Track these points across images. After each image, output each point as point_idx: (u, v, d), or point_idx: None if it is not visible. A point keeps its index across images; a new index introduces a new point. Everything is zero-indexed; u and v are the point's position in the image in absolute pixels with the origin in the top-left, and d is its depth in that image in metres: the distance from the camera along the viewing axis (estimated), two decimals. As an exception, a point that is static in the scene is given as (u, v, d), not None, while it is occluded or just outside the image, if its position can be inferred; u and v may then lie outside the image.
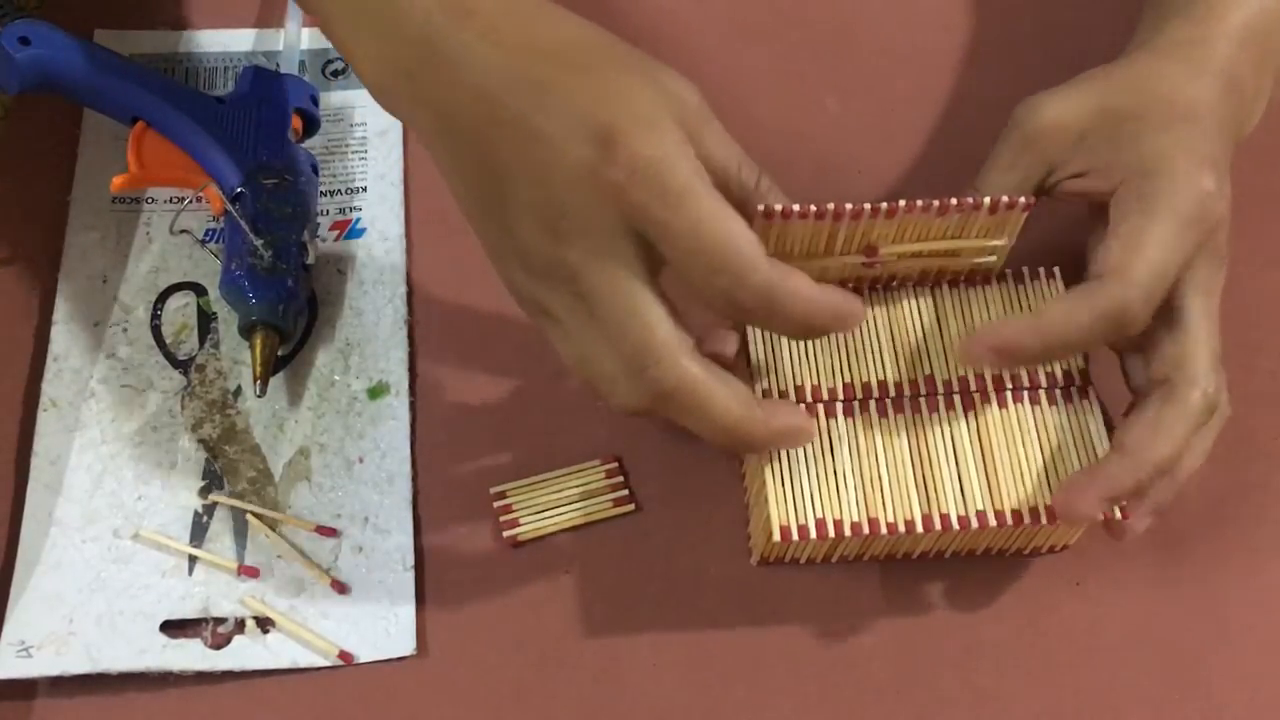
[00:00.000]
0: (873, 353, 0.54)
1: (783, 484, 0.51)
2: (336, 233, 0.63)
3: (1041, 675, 0.54)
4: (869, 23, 0.70)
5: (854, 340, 0.54)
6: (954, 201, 0.50)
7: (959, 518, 0.51)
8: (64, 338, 0.59)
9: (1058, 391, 0.53)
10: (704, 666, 0.54)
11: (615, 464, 0.57)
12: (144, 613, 0.54)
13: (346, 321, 0.61)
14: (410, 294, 0.61)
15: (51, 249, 0.62)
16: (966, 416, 0.53)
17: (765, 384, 0.53)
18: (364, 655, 0.53)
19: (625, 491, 0.57)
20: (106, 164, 0.63)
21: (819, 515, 0.51)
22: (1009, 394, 0.53)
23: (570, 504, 0.56)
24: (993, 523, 0.51)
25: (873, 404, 0.53)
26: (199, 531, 0.56)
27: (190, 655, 0.53)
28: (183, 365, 0.59)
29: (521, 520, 0.56)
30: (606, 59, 0.47)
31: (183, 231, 0.61)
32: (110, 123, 0.62)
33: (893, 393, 0.53)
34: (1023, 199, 0.51)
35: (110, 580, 0.54)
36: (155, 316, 0.60)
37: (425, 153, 0.65)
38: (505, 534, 0.56)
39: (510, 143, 0.46)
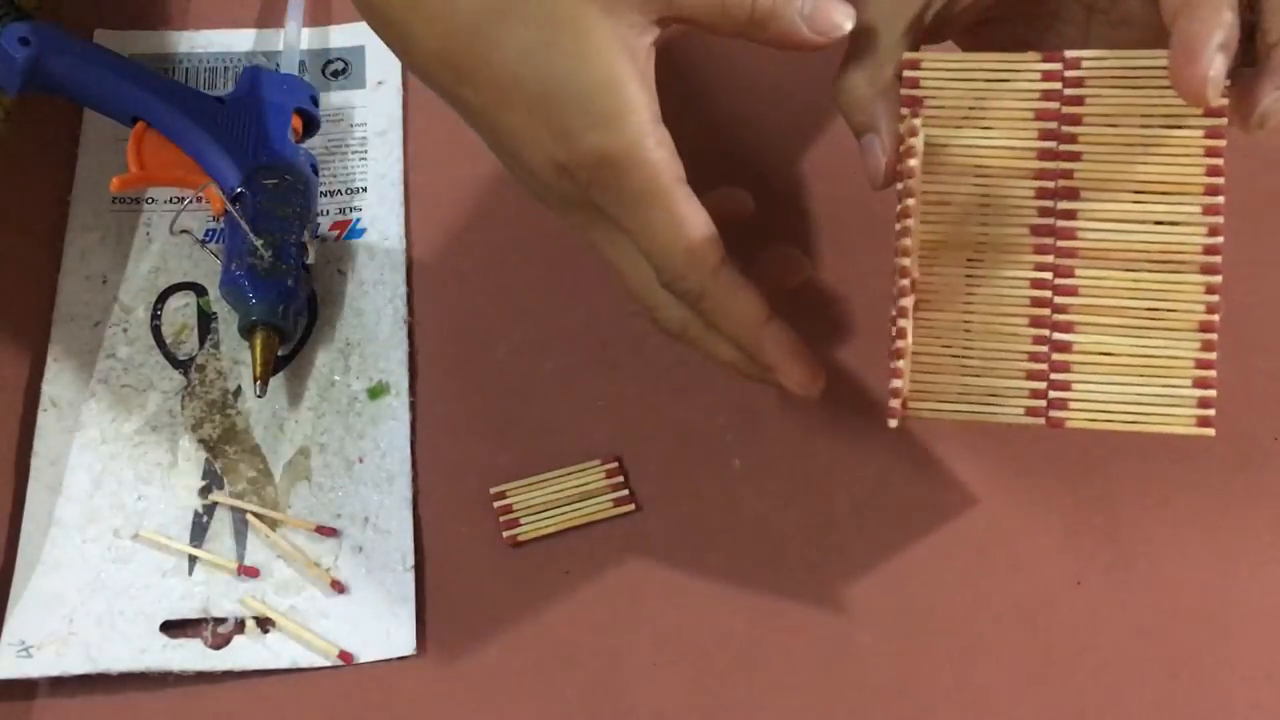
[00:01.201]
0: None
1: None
2: (336, 233, 0.63)
3: (1041, 675, 0.54)
4: None
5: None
6: None
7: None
8: (64, 338, 0.59)
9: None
10: (704, 666, 0.54)
11: (615, 464, 0.57)
12: (144, 613, 0.54)
13: (346, 321, 0.61)
14: (410, 294, 0.61)
15: (51, 249, 0.62)
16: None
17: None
18: (364, 655, 0.53)
19: (625, 491, 0.57)
20: (106, 164, 0.63)
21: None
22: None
23: (570, 504, 0.56)
24: None
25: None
26: (199, 531, 0.56)
27: (190, 655, 0.53)
28: (183, 365, 0.59)
29: (521, 520, 0.56)
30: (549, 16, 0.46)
31: (183, 231, 0.61)
32: (110, 123, 0.62)
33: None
34: None
35: (110, 580, 0.54)
36: (155, 316, 0.60)
37: (425, 153, 0.65)
38: (505, 534, 0.56)
39: (487, 130, 0.48)
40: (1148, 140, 0.46)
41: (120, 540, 0.55)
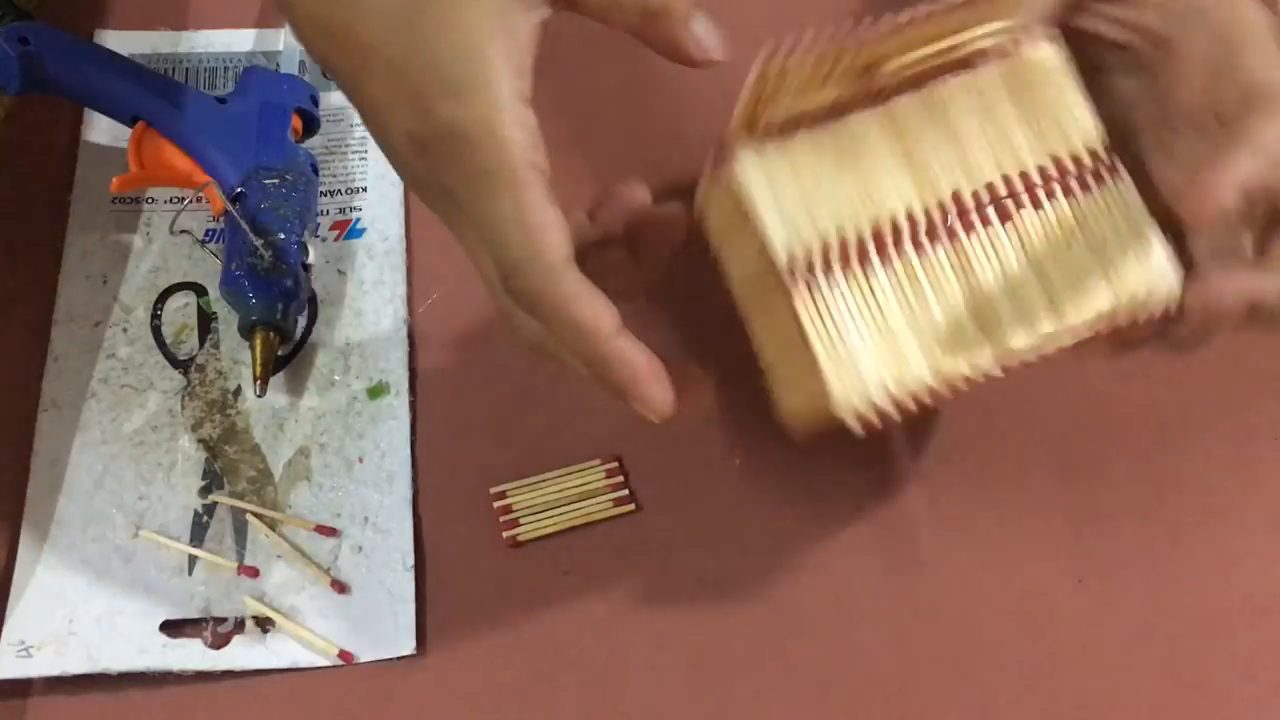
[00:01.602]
0: (887, 178, 0.47)
1: (835, 352, 0.45)
2: (336, 233, 0.63)
3: (1041, 675, 0.54)
4: None
5: (864, 168, 0.47)
6: None
7: (1032, 348, 0.46)
8: (64, 338, 0.59)
9: (1088, 177, 0.48)
10: (704, 666, 0.54)
11: (615, 464, 0.57)
12: (144, 613, 0.54)
13: (346, 321, 0.61)
14: (410, 294, 0.61)
15: (51, 249, 0.62)
16: (1006, 229, 0.47)
17: (785, 245, 0.45)
18: (364, 655, 0.53)
19: (625, 491, 0.57)
20: (106, 164, 0.63)
21: (883, 383, 0.45)
22: (1041, 192, 0.47)
23: (570, 504, 0.56)
24: (1068, 341, 0.46)
25: (907, 242, 0.46)
26: (199, 531, 0.56)
27: (190, 655, 0.53)
28: (183, 365, 0.59)
29: (521, 520, 0.56)
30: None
31: (183, 231, 0.61)
32: (110, 123, 0.62)
33: (923, 223, 0.46)
34: None
35: (110, 580, 0.54)
36: (155, 316, 0.60)
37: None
38: (505, 534, 0.56)
39: (355, 99, 0.44)
40: None
41: (120, 540, 0.55)
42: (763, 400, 0.59)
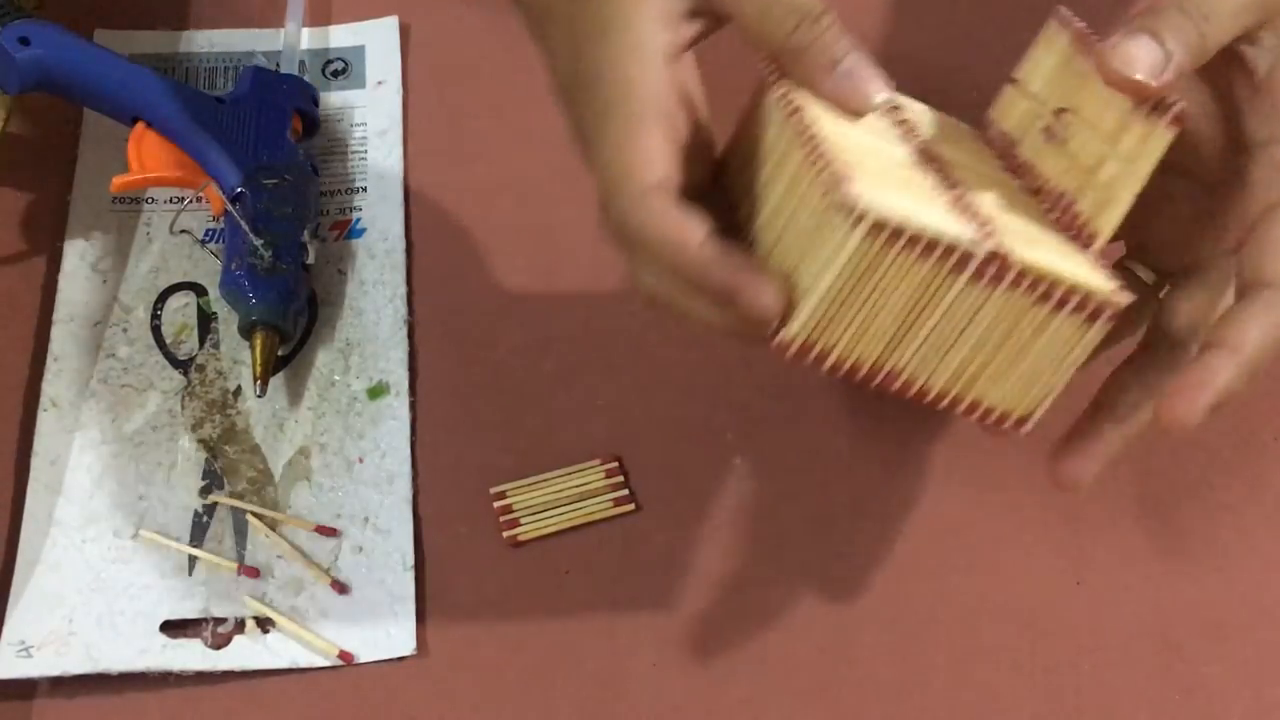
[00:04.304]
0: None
1: (833, 298, 0.41)
2: (336, 233, 0.63)
3: (1041, 675, 0.54)
4: None
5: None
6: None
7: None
8: (64, 338, 0.59)
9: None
10: (704, 666, 0.54)
11: (615, 464, 0.57)
12: (144, 613, 0.54)
13: (346, 321, 0.61)
14: (410, 294, 0.61)
15: (51, 249, 0.62)
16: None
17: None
18: (364, 655, 0.53)
19: (625, 491, 0.57)
20: (106, 164, 0.63)
21: (843, 347, 0.42)
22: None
23: (570, 504, 0.56)
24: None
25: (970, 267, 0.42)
26: (199, 531, 0.56)
27: (190, 655, 0.53)
28: (183, 365, 0.59)
29: (521, 520, 0.56)
30: None
31: (183, 231, 0.61)
32: (110, 123, 0.62)
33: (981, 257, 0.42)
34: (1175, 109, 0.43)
35: (110, 580, 0.54)
36: (155, 316, 0.60)
37: (425, 153, 0.65)
38: (505, 534, 0.56)
39: (541, 47, 0.48)
40: None
41: (120, 540, 0.55)
42: (763, 401, 0.59)
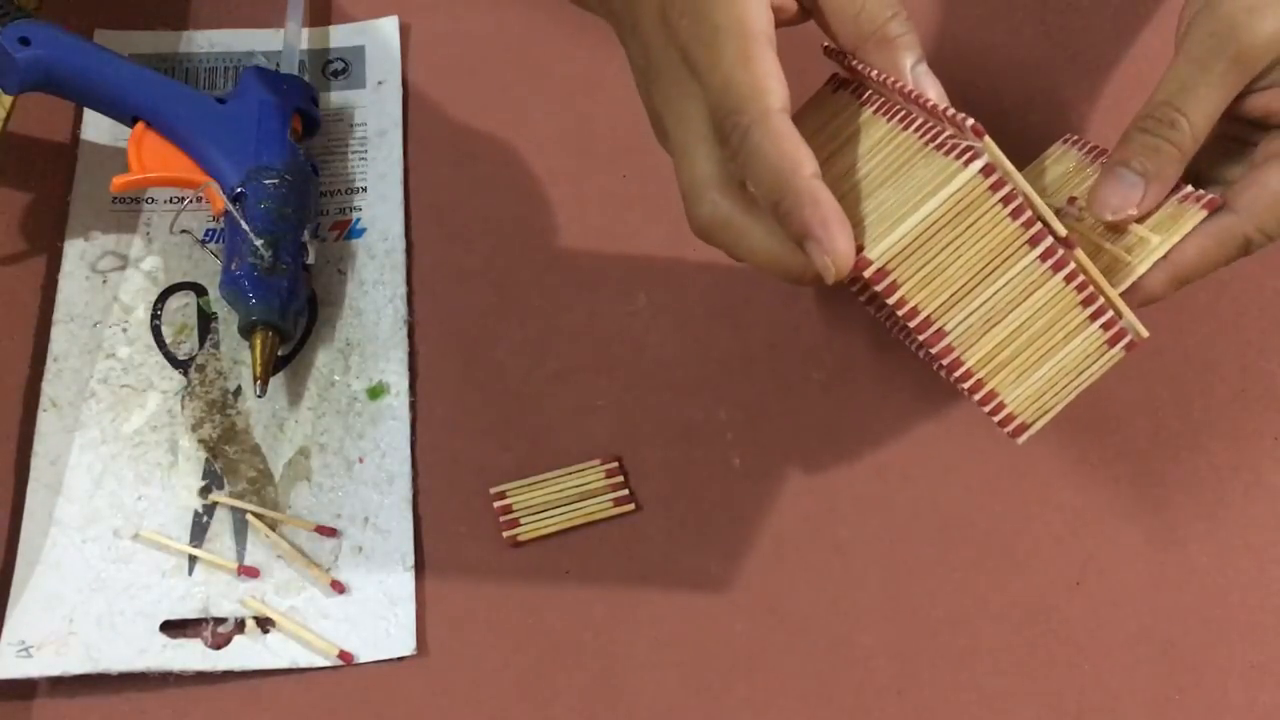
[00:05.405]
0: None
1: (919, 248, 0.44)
2: (336, 233, 0.63)
3: (1041, 675, 0.54)
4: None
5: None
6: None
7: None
8: (64, 338, 0.59)
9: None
10: (704, 666, 0.54)
11: (615, 464, 0.57)
12: (144, 613, 0.54)
13: (346, 321, 0.61)
14: (410, 294, 0.61)
15: (51, 249, 0.62)
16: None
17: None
18: (364, 655, 0.53)
19: (625, 491, 0.57)
20: (106, 164, 0.63)
21: (909, 287, 0.44)
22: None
23: (570, 504, 0.56)
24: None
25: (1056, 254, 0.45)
26: (199, 531, 0.56)
27: (190, 655, 0.53)
28: (183, 365, 0.59)
29: (521, 520, 0.56)
30: None
31: (183, 231, 0.61)
32: (110, 123, 0.62)
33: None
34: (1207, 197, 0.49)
35: (110, 580, 0.54)
36: (155, 316, 0.60)
37: (425, 152, 0.65)
38: (505, 534, 0.56)
39: None
40: None
41: (120, 540, 0.55)
42: (763, 401, 0.59)
